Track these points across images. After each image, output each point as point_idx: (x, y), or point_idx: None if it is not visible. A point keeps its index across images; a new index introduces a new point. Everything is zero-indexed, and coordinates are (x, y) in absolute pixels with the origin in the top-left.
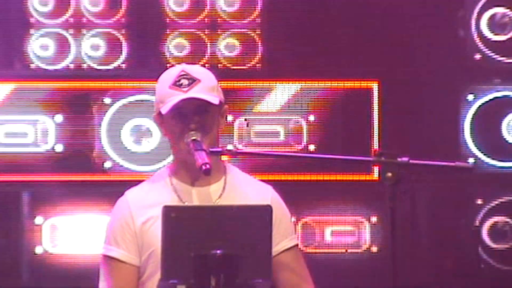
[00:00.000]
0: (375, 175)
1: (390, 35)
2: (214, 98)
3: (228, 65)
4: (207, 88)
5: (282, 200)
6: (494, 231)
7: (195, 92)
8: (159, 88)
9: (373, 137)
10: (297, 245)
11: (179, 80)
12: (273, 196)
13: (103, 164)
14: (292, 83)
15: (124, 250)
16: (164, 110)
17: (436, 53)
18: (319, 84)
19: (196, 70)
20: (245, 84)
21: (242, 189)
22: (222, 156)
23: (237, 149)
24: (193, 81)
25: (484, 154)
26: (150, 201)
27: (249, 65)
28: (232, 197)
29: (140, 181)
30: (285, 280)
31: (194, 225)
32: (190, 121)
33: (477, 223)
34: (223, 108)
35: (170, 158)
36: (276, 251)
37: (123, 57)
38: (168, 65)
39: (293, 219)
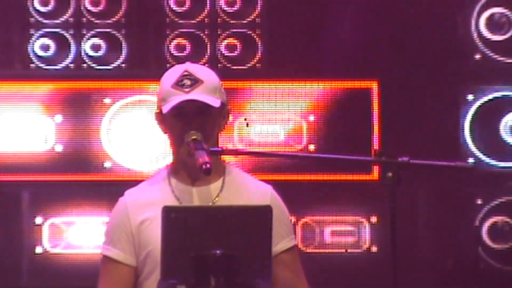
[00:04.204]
0: (375, 175)
1: (390, 35)
2: (215, 100)
3: (228, 65)
4: (209, 89)
5: (282, 200)
6: (494, 231)
7: (197, 94)
8: (162, 86)
9: (373, 137)
10: (295, 245)
11: (182, 80)
12: (273, 196)
13: (103, 164)
14: (292, 83)
15: (119, 250)
16: (164, 109)
17: (436, 53)
18: (319, 84)
19: (199, 70)
20: (245, 84)
21: (241, 189)
22: (222, 156)
23: (237, 149)
24: (195, 82)
25: (484, 154)
26: (147, 201)
27: (249, 65)
28: (230, 197)
29: (140, 181)
30: (282, 280)
31: (194, 225)
32: (190, 123)
33: (477, 223)
34: (224, 109)
35: (170, 158)
36: (275, 252)
37: (123, 57)
38: (168, 65)
39: (293, 219)
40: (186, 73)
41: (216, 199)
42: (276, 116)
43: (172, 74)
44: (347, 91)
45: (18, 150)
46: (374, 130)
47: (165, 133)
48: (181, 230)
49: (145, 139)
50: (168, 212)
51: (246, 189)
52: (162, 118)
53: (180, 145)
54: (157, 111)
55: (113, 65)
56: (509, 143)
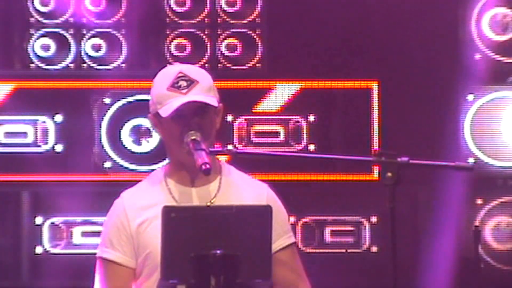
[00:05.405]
0: (375, 175)
1: (390, 35)
2: (213, 99)
3: (228, 65)
4: (205, 89)
5: (280, 199)
6: (493, 231)
7: (195, 94)
8: (156, 89)
9: (373, 137)
10: (294, 243)
11: (177, 82)
12: (269, 195)
13: (103, 164)
14: (292, 83)
15: (119, 252)
16: (164, 113)
17: (436, 53)
18: (319, 84)
19: (193, 70)
20: (245, 84)
21: (238, 188)
22: (222, 156)
23: (237, 149)
24: (191, 82)
25: (484, 154)
26: (145, 202)
27: (249, 65)
28: (227, 197)
29: (140, 181)
30: (282, 277)
31: (194, 225)
32: (189, 124)
33: (477, 223)
34: (218, 107)
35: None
36: (273, 249)
37: (123, 57)
38: (167, 65)
39: (293, 219)
40: (181, 75)
41: (214, 199)
42: (276, 116)
43: (166, 76)
44: (347, 91)
45: (18, 150)
46: (374, 130)
47: (162, 135)
48: (181, 230)
49: (146, 139)
50: (168, 212)
51: (242, 188)
52: (159, 121)
53: (179, 146)
54: (152, 114)
55: (113, 65)
56: (509, 143)
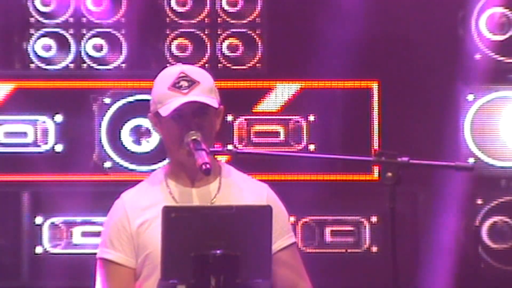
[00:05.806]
0: (375, 175)
1: (390, 35)
2: (214, 100)
3: (228, 65)
4: (206, 90)
5: (280, 199)
6: (493, 231)
7: (195, 95)
8: (157, 88)
9: (373, 137)
10: (294, 243)
11: (179, 82)
12: (269, 195)
13: (103, 164)
14: (292, 83)
15: (120, 253)
16: (164, 112)
17: (436, 53)
18: (319, 84)
19: (194, 71)
20: (245, 84)
21: (237, 188)
22: (222, 156)
23: (237, 149)
24: (192, 83)
25: (484, 154)
26: (145, 203)
27: (249, 65)
28: (227, 197)
29: (140, 181)
30: (282, 277)
31: (194, 225)
32: (189, 124)
33: (477, 223)
34: (219, 109)
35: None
36: (273, 250)
37: (123, 57)
38: (168, 65)
39: (293, 219)
40: (183, 75)
41: (214, 199)
42: (276, 116)
43: (167, 76)
44: (347, 91)
45: (18, 150)
46: (374, 130)
47: (162, 135)
48: (181, 230)
49: (146, 139)
50: (168, 212)
51: (242, 188)
52: (158, 120)
53: (178, 146)
54: (152, 113)
55: (113, 65)
56: (509, 143)
